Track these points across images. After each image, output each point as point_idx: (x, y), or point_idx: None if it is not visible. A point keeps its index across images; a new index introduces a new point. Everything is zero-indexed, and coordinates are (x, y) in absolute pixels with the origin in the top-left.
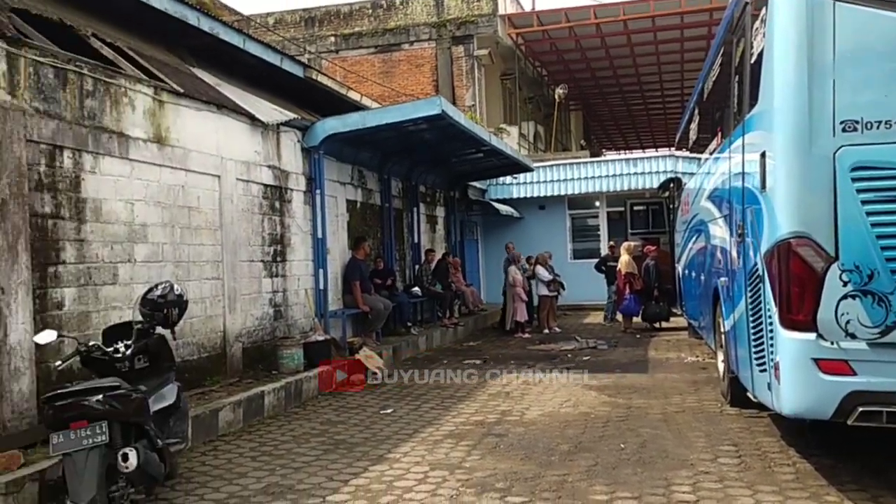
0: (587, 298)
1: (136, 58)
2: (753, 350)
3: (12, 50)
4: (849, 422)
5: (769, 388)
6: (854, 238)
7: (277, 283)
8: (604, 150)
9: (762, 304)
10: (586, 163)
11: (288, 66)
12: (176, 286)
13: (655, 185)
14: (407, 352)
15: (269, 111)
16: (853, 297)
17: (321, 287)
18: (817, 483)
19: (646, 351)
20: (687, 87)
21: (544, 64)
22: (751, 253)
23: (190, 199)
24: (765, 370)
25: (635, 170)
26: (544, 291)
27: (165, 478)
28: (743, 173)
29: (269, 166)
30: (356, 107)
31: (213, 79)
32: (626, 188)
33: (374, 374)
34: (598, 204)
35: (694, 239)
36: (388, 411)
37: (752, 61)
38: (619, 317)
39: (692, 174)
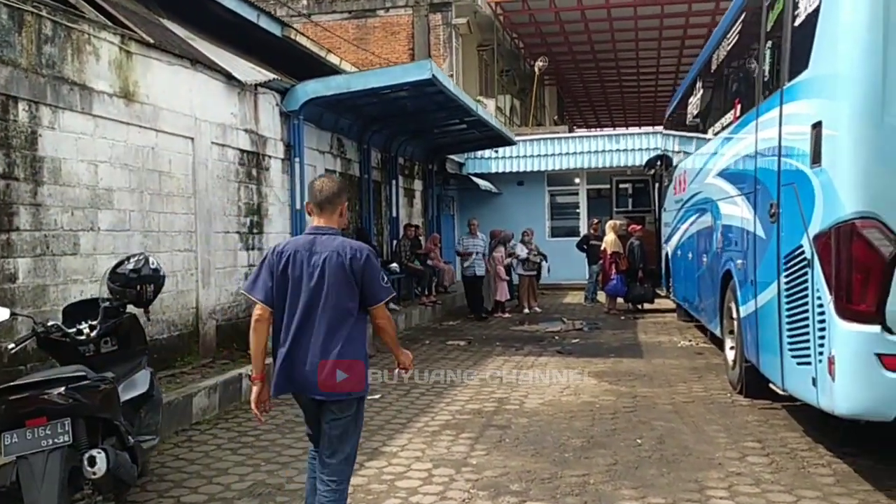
0: (566, 278)
1: (100, 2)
2: (790, 340)
3: None
4: None
5: (814, 383)
6: None
7: (254, 257)
8: (575, 128)
9: (808, 291)
10: (567, 138)
11: (265, 22)
12: (151, 259)
13: (639, 163)
14: None
15: (246, 70)
16: None
17: None
18: (862, 488)
19: (635, 334)
20: (664, 67)
21: (522, 36)
22: (791, 234)
23: (161, 163)
24: (807, 363)
25: (618, 146)
26: (521, 270)
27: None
28: (780, 147)
29: (246, 130)
30: (335, 71)
31: (185, 32)
32: (608, 165)
33: None
34: (577, 181)
35: (693, 219)
36: (377, 397)
37: (797, 23)
38: (602, 297)
39: (688, 152)
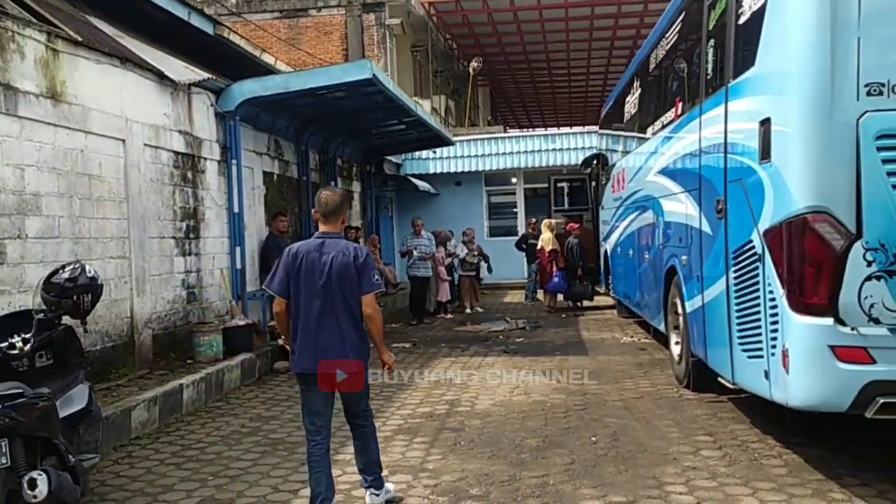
0: (505, 277)
1: None
2: (740, 334)
3: None
4: (867, 414)
5: (767, 376)
6: (879, 213)
7: (191, 263)
8: (508, 128)
9: (759, 285)
10: (504, 138)
11: (197, 20)
12: (88, 267)
13: (575, 162)
14: None
15: (179, 69)
16: (878, 278)
17: (238, 266)
18: (814, 477)
19: (578, 331)
20: (594, 67)
21: (455, 37)
22: (739, 229)
23: (91, 166)
24: (759, 356)
25: (554, 146)
26: (461, 270)
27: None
28: (726, 144)
29: (180, 131)
30: (269, 71)
31: (113, 30)
32: (544, 164)
33: None
34: (514, 180)
35: (633, 216)
36: None
37: (741, 22)
38: (541, 295)
39: (626, 151)
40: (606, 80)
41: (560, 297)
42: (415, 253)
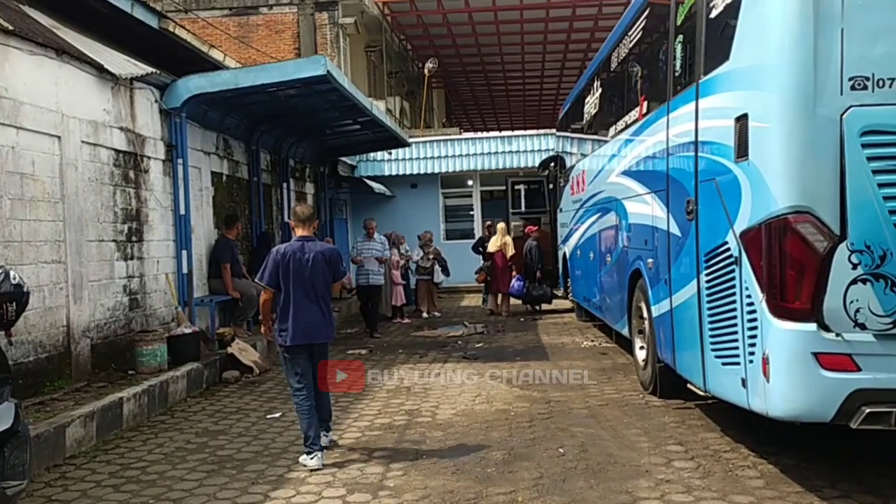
0: (462, 281)
1: None
2: (713, 340)
3: None
4: (853, 425)
5: (744, 384)
6: (864, 213)
7: (133, 267)
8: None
9: (736, 289)
10: (461, 140)
11: (140, 13)
12: (12, 273)
13: (532, 164)
14: None
15: (121, 62)
16: (864, 281)
17: (184, 271)
18: (792, 490)
19: (537, 336)
20: (548, 71)
21: (409, 38)
22: (712, 231)
23: (23, 164)
24: (735, 363)
25: (511, 148)
26: (417, 274)
27: None
28: (697, 142)
29: (121, 128)
30: (218, 68)
31: (49, 21)
32: (501, 167)
33: (250, 369)
34: (471, 183)
35: (594, 218)
36: (276, 415)
37: (713, 15)
38: (491, 300)
39: (586, 153)
40: (560, 84)
41: (517, 300)
42: (364, 255)
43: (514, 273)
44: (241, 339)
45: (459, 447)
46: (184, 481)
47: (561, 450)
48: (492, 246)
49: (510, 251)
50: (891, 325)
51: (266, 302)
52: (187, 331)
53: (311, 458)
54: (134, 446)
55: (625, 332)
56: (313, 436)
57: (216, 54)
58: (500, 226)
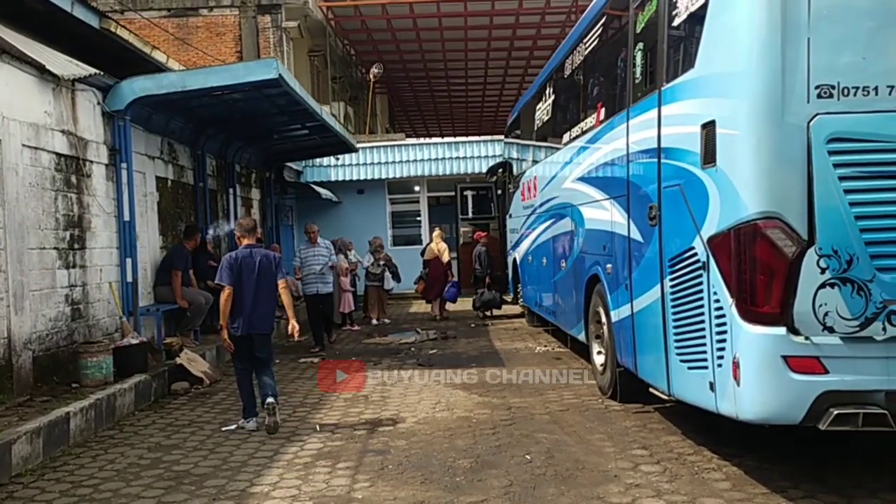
0: (410, 287)
1: None
2: (679, 344)
3: None
4: (821, 426)
5: (712, 388)
6: (831, 219)
7: (76, 276)
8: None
9: (704, 294)
10: (408, 146)
11: (80, 12)
12: None
13: (480, 170)
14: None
15: (62, 63)
16: (832, 285)
17: (129, 279)
18: (758, 491)
19: (490, 341)
20: (491, 78)
21: (353, 43)
22: (677, 236)
23: None
24: (702, 367)
25: (458, 154)
26: (367, 281)
27: None
28: (660, 149)
29: (63, 131)
30: (160, 70)
31: None
32: (448, 172)
33: (200, 380)
34: (418, 189)
35: (548, 224)
36: (231, 427)
37: (676, 23)
38: (430, 306)
39: (537, 159)
40: (503, 91)
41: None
42: (309, 264)
43: (449, 278)
44: (189, 350)
45: (425, 456)
46: (140, 499)
47: (528, 456)
48: (428, 253)
49: (445, 257)
50: (857, 329)
51: (227, 298)
52: (134, 341)
53: (248, 423)
54: (83, 463)
55: (581, 337)
56: (250, 406)
57: (159, 56)
58: (436, 233)
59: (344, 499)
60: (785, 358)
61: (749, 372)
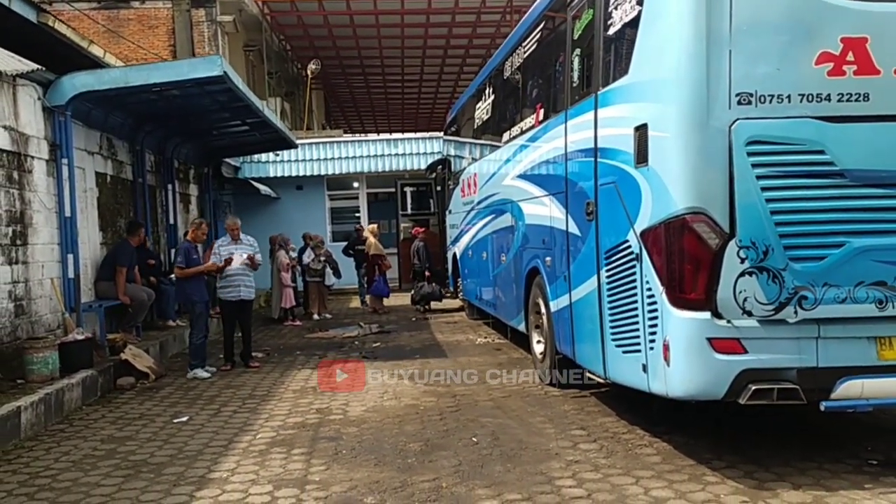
0: (350, 283)
1: None
2: (614, 331)
3: None
4: (741, 401)
5: (645, 369)
6: (750, 214)
7: (18, 272)
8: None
9: (637, 284)
10: (347, 142)
11: (18, 6)
12: None
13: (419, 167)
14: (174, 348)
15: (4, 58)
16: (750, 273)
17: (71, 276)
18: (686, 463)
19: (432, 334)
20: (427, 76)
21: (289, 38)
22: (613, 230)
23: None
24: (636, 351)
25: (398, 151)
26: (307, 276)
27: None
28: (596, 149)
29: (4, 127)
30: (97, 64)
31: None
32: (387, 169)
33: (146, 374)
34: (357, 185)
35: (488, 219)
36: (184, 419)
37: (611, 32)
38: (368, 299)
39: (476, 157)
40: (439, 89)
41: (387, 298)
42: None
43: (378, 272)
44: (132, 346)
45: (376, 441)
46: (101, 486)
47: (474, 439)
48: (373, 249)
49: (372, 251)
50: (772, 312)
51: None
52: (80, 337)
53: (203, 371)
54: (37, 455)
55: (521, 327)
56: (204, 358)
57: (96, 50)
58: (369, 227)
59: (302, 481)
60: (709, 340)
61: (678, 353)
